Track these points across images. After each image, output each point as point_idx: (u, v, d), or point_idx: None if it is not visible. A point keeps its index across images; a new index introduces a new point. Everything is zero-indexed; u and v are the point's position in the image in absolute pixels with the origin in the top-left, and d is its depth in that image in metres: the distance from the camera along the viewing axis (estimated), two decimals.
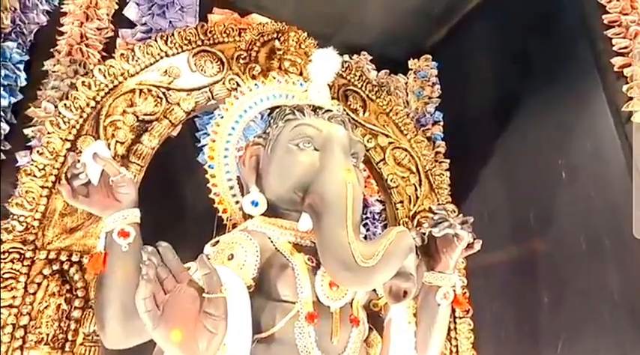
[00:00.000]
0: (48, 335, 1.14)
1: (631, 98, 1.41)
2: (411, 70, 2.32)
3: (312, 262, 1.06)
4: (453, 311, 1.57)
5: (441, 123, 2.16)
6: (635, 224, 1.31)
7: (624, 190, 1.37)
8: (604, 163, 1.46)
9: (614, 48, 1.49)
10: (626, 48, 1.48)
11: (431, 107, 2.19)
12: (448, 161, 2.00)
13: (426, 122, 2.15)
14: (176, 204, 1.64)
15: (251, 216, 1.19)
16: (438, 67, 2.29)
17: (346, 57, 2.11)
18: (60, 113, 1.31)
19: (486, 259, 1.53)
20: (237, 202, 1.32)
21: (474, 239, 1.18)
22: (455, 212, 1.72)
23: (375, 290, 1.17)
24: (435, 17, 2.20)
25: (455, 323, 1.62)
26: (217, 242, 1.11)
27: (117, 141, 1.36)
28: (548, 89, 1.70)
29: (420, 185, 1.77)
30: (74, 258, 1.22)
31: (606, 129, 1.46)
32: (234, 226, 1.28)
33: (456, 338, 1.61)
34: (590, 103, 1.54)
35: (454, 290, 1.16)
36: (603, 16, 1.54)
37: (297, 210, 1.10)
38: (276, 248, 1.09)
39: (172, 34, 1.50)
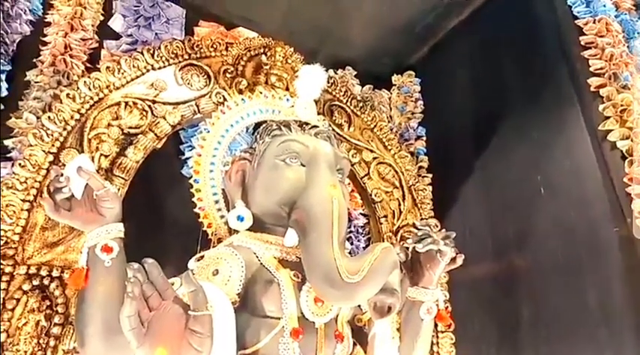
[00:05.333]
0: (26, 352, 1.11)
1: (607, 117, 1.46)
2: (395, 85, 2.36)
3: (298, 278, 1.07)
4: (435, 325, 1.58)
5: (424, 138, 2.19)
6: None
7: (601, 206, 1.42)
8: (582, 180, 1.49)
9: (591, 69, 1.54)
10: (601, 69, 1.53)
11: (414, 122, 2.22)
12: (430, 175, 2.03)
13: (409, 137, 2.18)
14: (160, 218, 1.62)
15: (236, 231, 1.19)
16: (420, 83, 2.34)
17: (331, 72, 2.13)
18: (43, 125, 1.30)
19: (467, 273, 1.55)
20: (222, 217, 1.31)
21: (457, 254, 1.20)
22: (437, 227, 1.75)
23: (359, 305, 1.18)
24: (418, 34, 2.24)
25: (437, 337, 1.64)
26: (202, 257, 1.10)
27: (101, 154, 1.35)
28: (527, 107, 1.75)
29: (404, 199, 1.80)
30: (55, 273, 1.20)
31: (584, 148, 1.50)
32: (219, 241, 1.28)
33: (438, 353, 1.63)
34: (568, 122, 1.58)
35: (437, 305, 1.18)
36: (580, 38, 1.59)
37: (283, 225, 1.11)
38: (261, 263, 1.09)
39: (159, 48, 1.51)
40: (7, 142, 1.51)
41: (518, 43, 1.84)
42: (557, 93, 1.64)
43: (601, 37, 1.58)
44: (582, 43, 1.59)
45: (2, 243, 1.16)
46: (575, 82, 1.58)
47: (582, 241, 1.46)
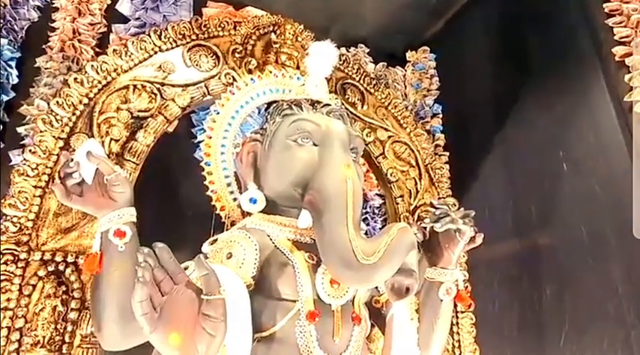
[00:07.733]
0: (44, 337, 1.12)
1: (633, 88, 1.39)
2: (409, 62, 2.29)
3: (313, 260, 1.05)
4: (455, 306, 1.55)
5: (440, 116, 2.13)
6: (635, 223, 1.30)
7: (627, 182, 1.36)
8: (606, 155, 1.44)
9: (616, 37, 1.46)
10: (627, 37, 1.45)
11: (429, 99, 2.16)
12: (447, 154, 1.98)
13: (425, 115, 2.12)
14: (173, 202, 1.61)
15: (249, 214, 1.17)
16: (436, 58, 2.27)
17: (343, 50, 2.08)
18: (52, 111, 1.28)
19: (488, 252, 1.51)
20: (235, 199, 1.29)
21: (476, 233, 1.17)
22: (455, 205, 1.71)
23: (376, 287, 1.16)
24: (432, 8, 2.17)
25: (457, 317, 1.61)
26: (215, 240, 1.09)
27: (111, 139, 1.33)
28: (548, 80, 1.68)
29: (420, 179, 1.76)
30: (70, 259, 1.20)
31: (608, 120, 1.44)
32: (232, 224, 1.26)
33: (458, 333, 1.60)
34: (592, 94, 1.52)
35: (457, 286, 1.15)
36: (604, 5, 1.51)
37: (297, 206, 1.08)
38: (275, 245, 1.07)
39: (166, 29, 1.48)
40: (20, 130, 1.51)
41: (538, 13, 1.77)
42: (580, 64, 1.57)
43: (626, 3, 1.50)
44: (606, 10, 1.51)
45: (16, 229, 1.17)
46: (598, 52, 1.51)
47: (606, 217, 1.41)
